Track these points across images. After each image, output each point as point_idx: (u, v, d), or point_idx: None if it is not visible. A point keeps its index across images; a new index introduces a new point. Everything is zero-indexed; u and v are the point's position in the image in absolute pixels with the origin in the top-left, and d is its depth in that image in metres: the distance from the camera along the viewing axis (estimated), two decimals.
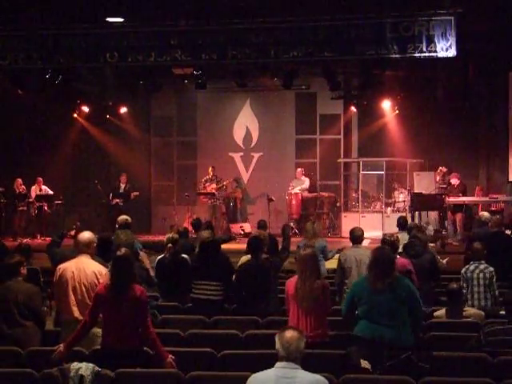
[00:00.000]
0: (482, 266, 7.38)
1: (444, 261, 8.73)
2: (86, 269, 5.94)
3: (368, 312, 5.46)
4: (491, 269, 7.35)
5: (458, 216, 13.52)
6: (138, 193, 15.51)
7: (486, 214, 9.67)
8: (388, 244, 7.34)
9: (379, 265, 5.55)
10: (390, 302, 5.40)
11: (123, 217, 8.44)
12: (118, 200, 15.38)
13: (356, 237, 7.95)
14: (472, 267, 7.40)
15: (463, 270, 7.47)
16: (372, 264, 5.65)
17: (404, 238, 8.99)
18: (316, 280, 5.95)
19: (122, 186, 15.65)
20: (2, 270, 6.19)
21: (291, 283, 6.03)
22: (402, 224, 9.66)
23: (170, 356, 5.25)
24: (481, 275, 7.33)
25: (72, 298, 5.89)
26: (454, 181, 13.88)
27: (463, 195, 13.68)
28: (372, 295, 5.47)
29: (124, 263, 5.31)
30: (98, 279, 5.90)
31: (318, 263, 6.27)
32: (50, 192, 14.97)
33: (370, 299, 5.48)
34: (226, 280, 7.16)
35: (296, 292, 5.89)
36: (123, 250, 5.45)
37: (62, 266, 6.05)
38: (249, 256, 7.65)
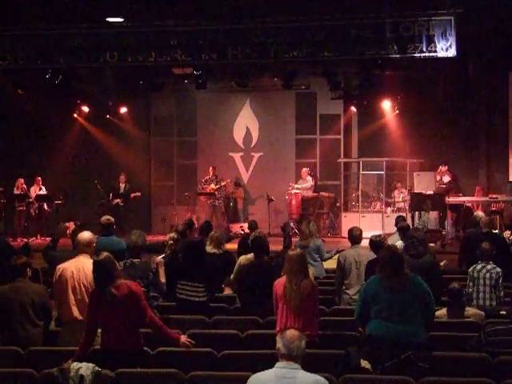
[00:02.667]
0: (489, 266, 7.36)
1: (441, 263, 8.69)
2: (85, 268, 5.93)
3: (382, 311, 5.40)
4: (498, 269, 7.33)
5: (452, 214, 13.50)
6: (139, 193, 15.53)
7: (480, 213, 9.65)
8: (375, 244, 7.35)
9: (390, 264, 5.50)
10: (405, 302, 5.37)
11: (105, 217, 8.45)
12: (118, 200, 15.40)
13: (354, 237, 7.94)
14: (479, 267, 7.38)
15: (470, 269, 7.45)
16: (383, 263, 5.59)
17: (395, 238, 8.96)
18: (304, 279, 5.93)
19: (122, 186, 15.68)
20: (10, 271, 6.19)
21: (279, 283, 6.00)
22: (397, 223, 9.64)
23: (183, 335, 5.28)
24: (487, 275, 7.31)
25: (71, 297, 5.90)
26: (446, 178, 13.90)
27: (450, 191, 13.70)
28: (387, 295, 5.42)
29: (101, 267, 5.29)
30: None
31: (306, 263, 6.25)
32: (44, 192, 14.99)
33: (385, 299, 5.41)
34: (209, 281, 7.14)
35: (284, 292, 5.87)
36: (103, 254, 5.43)
37: (61, 266, 6.06)
38: (248, 256, 7.64)
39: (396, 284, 5.42)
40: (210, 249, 7.99)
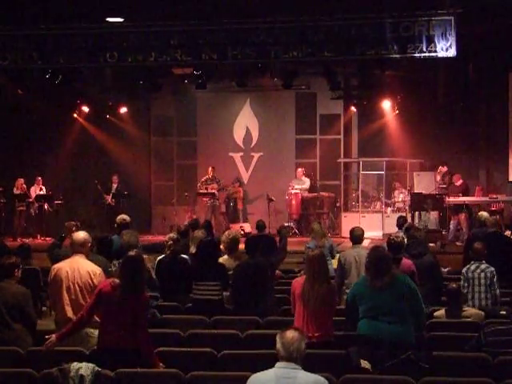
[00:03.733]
0: (483, 266, 7.36)
1: (445, 270, 8.66)
2: (80, 269, 5.94)
3: (369, 311, 5.49)
4: (492, 269, 7.33)
5: (461, 216, 13.50)
6: (126, 192, 15.55)
7: (484, 213, 9.63)
8: (394, 245, 7.30)
9: (375, 264, 5.58)
10: (390, 300, 5.43)
11: (121, 216, 8.40)
12: (110, 201, 15.44)
13: (356, 237, 7.94)
14: (473, 267, 7.39)
15: (464, 270, 7.45)
16: (368, 263, 5.70)
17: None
18: (325, 282, 5.95)
19: (114, 186, 15.70)
20: None
21: (298, 283, 6.02)
22: (401, 224, 9.67)
23: (161, 365, 5.25)
24: (482, 275, 7.31)
25: (66, 297, 5.89)
26: (458, 182, 13.88)
27: (463, 195, 13.68)
28: (372, 294, 5.50)
29: (135, 264, 5.31)
30: (92, 279, 5.90)
31: (327, 264, 6.28)
32: (44, 192, 14.99)
33: (371, 298, 5.50)
34: (224, 280, 7.16)
35: (303, 293, 5.88)
36: (135, 250, 5.46)
37: (56, 266, 6.05)
38: (225, 257, 7.65)
39: (381, 284, 5.48)
40: (192, 249, 7.99)
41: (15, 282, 6.14)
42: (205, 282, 7.04)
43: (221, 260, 7.67)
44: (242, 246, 8.04)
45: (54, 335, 5.32)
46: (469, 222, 13.36)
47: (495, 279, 7.30)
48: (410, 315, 5.48)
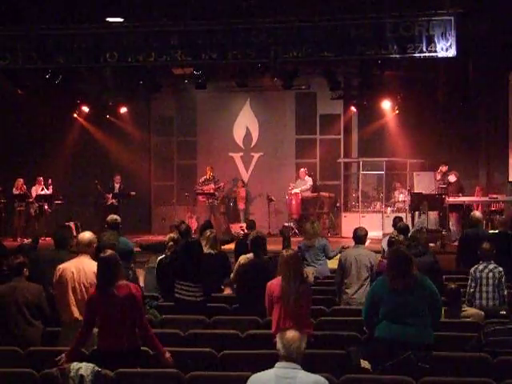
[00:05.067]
0: (491, 266, 7.35)
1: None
2: (85, 269, 5.94)
3: (390, 312, 5.39)
4: (500, 269, 7.32)
5: (455, 216, 13.49)
6: (133, 193, 15.51)
7: (477, 213, 9.61)
8: (396, 244, 7.30)
9: (397, 264, 5.48)
10: (412, 302, 5.36)
11: (112, 216, 8.42)
12: (113, 200, 15.43)
13: (359, 237, 7.93)
14: (481, 267, 7.37)
15: (472, 270, 7.44)
16: (390, 264, 5.59)
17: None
18: (301, 281, 5.93)
19: (117, 186, 15.69)
20: (7, 271, 6.19)
21: (275, 285, 5.99)
22: (396, 224, 9.65)
23: (168, 352, 5.26)
24: (490, 275, 7.31)
25: (72, 298, 5.90)
26: (452, 178, 13.88)
27: (461, 194, 13.67)
28: (393, 295, 5.40)
29: (108, 263, 5.30)
30: None
31: (301, 264, 6.26)
32: (48, 192, 14.97)
33: (391, 299, 5.40)
34: (205, 282, 7.15)
35: (283, 293, 5.86)
36: (108, 251, 5.44)
37: (61, 267, 6.05)
38: (248, 255, 7.66)
39: (401, 285, 5.40)
40: (205, 249, 8.00)
41: (25, 280, 6.16)
42: (187, 283, 7.04)
43: (243, 258, 7.70)
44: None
45: (63, 355, 5.20)
46: (463, 221, 13.37)
47: (503, 279, 7.31)
48: (429, 316, 5.42)
